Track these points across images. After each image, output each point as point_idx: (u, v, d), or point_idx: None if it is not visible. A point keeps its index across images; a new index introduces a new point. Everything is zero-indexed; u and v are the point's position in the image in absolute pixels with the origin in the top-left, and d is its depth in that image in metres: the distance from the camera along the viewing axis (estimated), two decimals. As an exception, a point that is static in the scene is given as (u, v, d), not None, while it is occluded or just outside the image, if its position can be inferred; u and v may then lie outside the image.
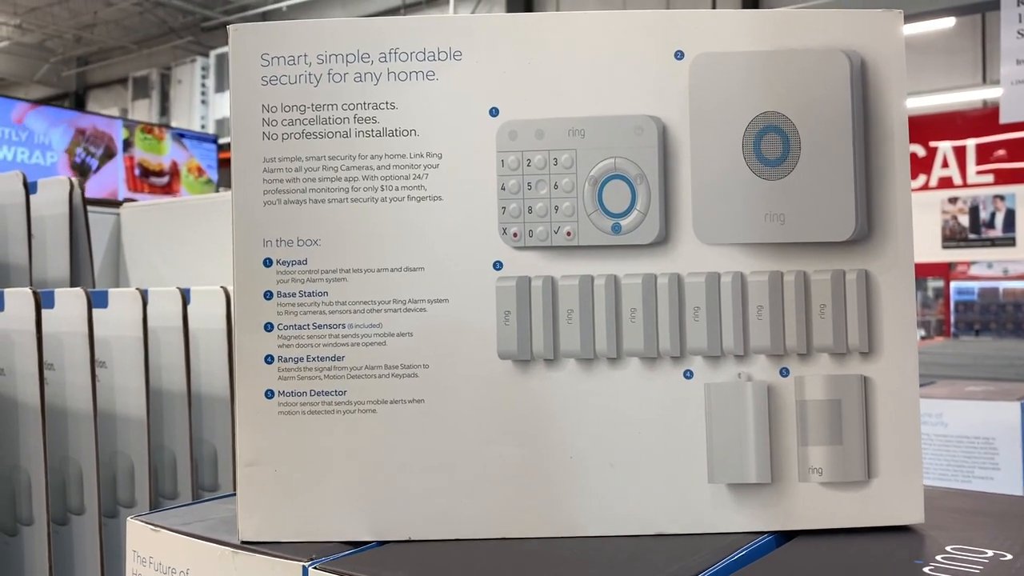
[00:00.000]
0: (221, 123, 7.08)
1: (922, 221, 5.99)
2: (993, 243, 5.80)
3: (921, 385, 0.96)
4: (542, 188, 0.38)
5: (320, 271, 0.38)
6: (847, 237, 0.39)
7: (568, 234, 0.38)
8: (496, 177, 0.38)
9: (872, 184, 0.39)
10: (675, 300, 0.38)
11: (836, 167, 0.39)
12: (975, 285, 5.90)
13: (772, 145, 0.39)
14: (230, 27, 0.39)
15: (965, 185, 5.91)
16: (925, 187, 6.03)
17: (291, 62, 0.38)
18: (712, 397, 0.38)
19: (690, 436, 0.38)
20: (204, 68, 7.48)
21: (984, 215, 5.86)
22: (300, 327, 0.38)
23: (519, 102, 0.38)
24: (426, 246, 0.38)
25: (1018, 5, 1.19)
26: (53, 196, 0.80)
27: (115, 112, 7.98)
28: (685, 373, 0.38)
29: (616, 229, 0.38)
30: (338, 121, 0.38)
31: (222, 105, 7.13)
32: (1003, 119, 1.26)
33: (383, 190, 0.38)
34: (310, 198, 0.38)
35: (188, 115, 7.55)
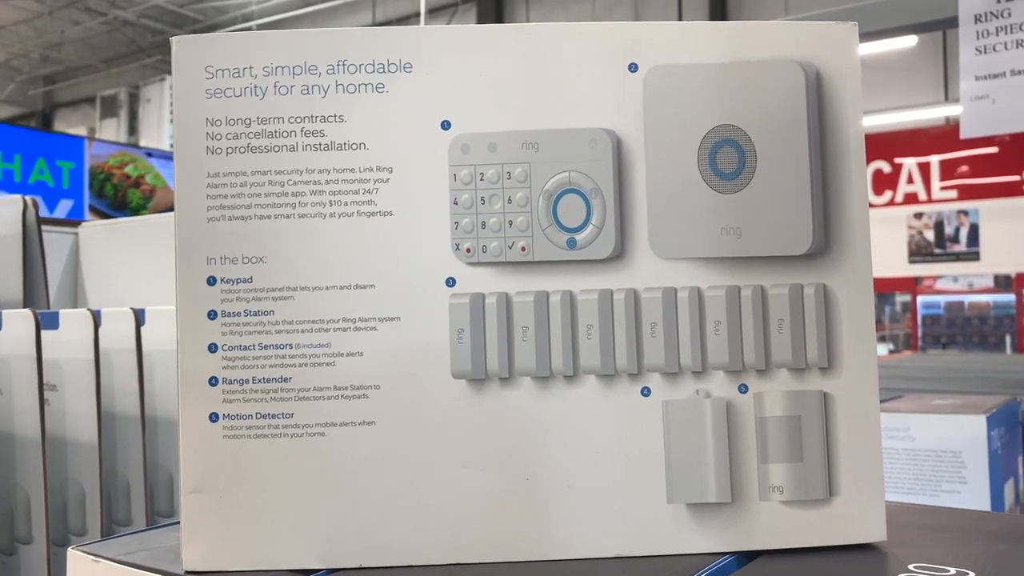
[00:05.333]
0: None
1: (889, 236, 6.07)
2: (958, 257, 5.90)
3: (888, 399, 0.96)
4: (495, 203, 0.38)
5: (266, 289, 0.37)
6: (804, 251, 0.38)
7: (523, 249, 0.37)
8: (448, 191, 0.37)
9: (829, 197, 0.39)
10: (632, 316, 0.37)
11: (792, 180, 0.38)
12: (941, 299, 5.99)
13: (727, 158, 0.38)
14: (172, 39, 0.37)
15: (930, 201, 6.00)
16: (891, 203, 6.10)
17: (236, 74, 0.37)
18: (670, 414, 0.37)
19: (648, 455, 0.37)
20: (173, 87, 7.45)
21: (949, 230, 5.96)
22: (245, 348, 0.37)
23: (471, 115, 0.38)
24: (377, 263, 0.37)
25: (976, 22, 1.21)
26: (6, 215, 0.78)
27: (83, 131, 7.94)
28: (643, 390, 0.38)
29: (571, 244, 0.37)
30: (284, 135, 0.37)
31: None
32: (963, 135, 1.27)
33: (331, 205, 0.37)
34: (256, 214, 0.37)
35: (157, 134, 7.53)
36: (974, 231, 5.77)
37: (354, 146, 0.37)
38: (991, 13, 1.22)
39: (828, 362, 0.38)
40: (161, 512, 0.64)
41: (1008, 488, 0.82)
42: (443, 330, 0.37)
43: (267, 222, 0.37)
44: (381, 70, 0.37)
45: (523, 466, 0.37)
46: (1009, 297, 5.67)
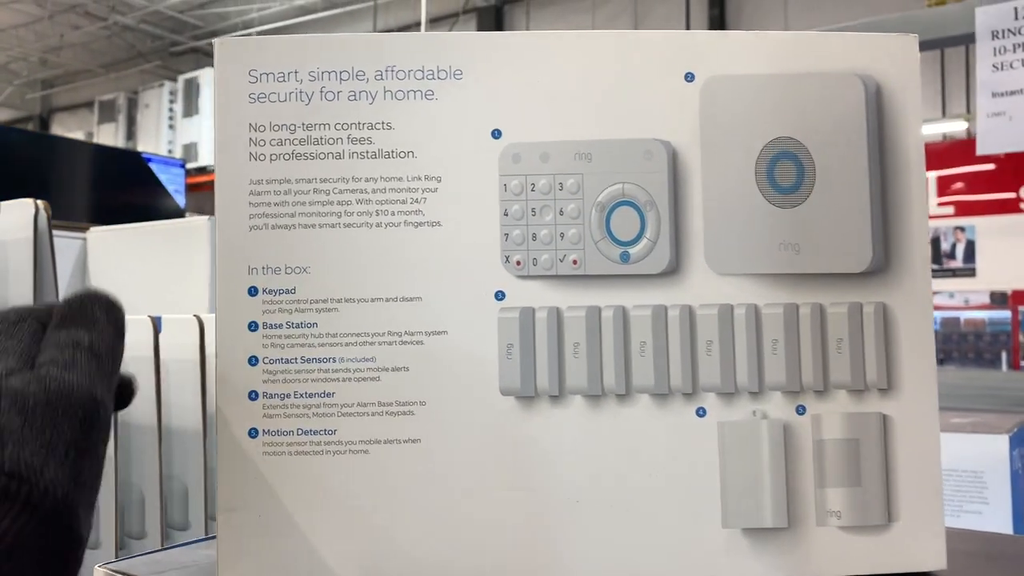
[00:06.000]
0: (188, 147, 6.97)
1: None
2: (954, 273, 5.89)
3: None
4: (547, 214, 0.36)
5: (309, 301, 0.36)
6: (864, 268, 0.37)
7: (574, 263, 0.36)
8: (498, 202, 0.36)
9: (888, 213, 0.37)
10: (687, 333, 0.36)
11: (852, 195, 0.37)
12: (937, 315, 5.98)
13: (786, 172, 0.37)
14: (216, 40, 0.36)
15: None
16: None
17: (281, 79, 0.36)
18: (726, 436, 0.36)
19: (703, 478, 0.36)
20: (172, 93, 7.40)
21: (945, 246, 5.95)
22: (287, 361, 0.35)
23: (522, 124, 0.36)
24: (424, 274, 0.36)
25: (993, 39, 1.21)
26: (16, 219, 0.77)
27: (80, 135, 7.94)
28: (698, 411, 0.36)
29: (624, 258, 0.36)
30: (331, 141, 0.36)
31: (189, 130, 7.08)
32: (980, 151, 1.27)
33: (378, 215, 0.36)
34: (300, 223, 0.36)
35: (155, 139, 7.40)
36: (970, 247, 5.76)
37: (402, 154, 0.36)
38: (1008, 30, 1.22)
39: (888, 383, 0.37)
40: (174, 525, 0.63)
41: None
42: (492, 345, 0.36)
43: (311, 231, 0.36)
44: (431, 77, 0.36)
45: (573, 488, 0.36)
46: (1005, 314, 5.66)
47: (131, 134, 7.82)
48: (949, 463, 0.80)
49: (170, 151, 7.12)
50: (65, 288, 0.78)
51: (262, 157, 0.36)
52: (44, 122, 9.62)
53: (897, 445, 0.37)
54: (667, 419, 0.36)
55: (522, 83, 0.37)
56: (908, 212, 0.37)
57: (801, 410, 0.37)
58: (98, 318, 0.30)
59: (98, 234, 0.77)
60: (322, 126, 0.36)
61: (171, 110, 7.35)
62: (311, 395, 0.35)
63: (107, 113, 8.06)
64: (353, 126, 0.36)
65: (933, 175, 5.88)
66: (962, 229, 5.83)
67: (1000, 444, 0.77)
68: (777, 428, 0.36)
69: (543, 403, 0.36)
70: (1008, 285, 5.63)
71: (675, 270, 0.36)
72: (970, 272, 5.81)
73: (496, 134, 0.36)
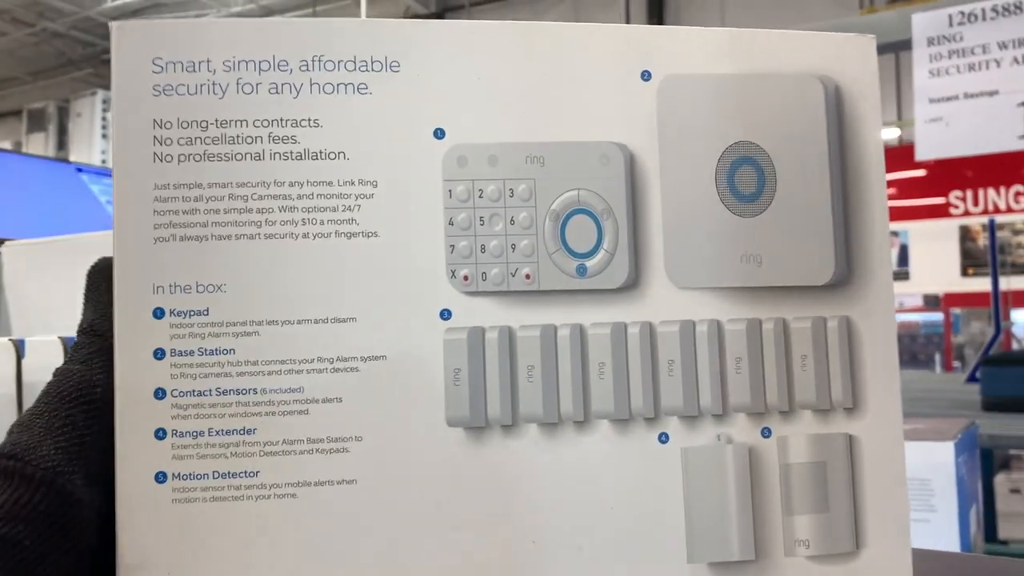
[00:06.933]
0: None
1: None
2: None
3: None
4: (496, 223, 0.33)
5: (225, 323, 0.31)
6: (827, 281, 0.35)
7: (527, 277, 0.33)
8: (443, 210, 0.33)
9: (850, 223, 0.36)
10: (647, 353, 0.33)
11: (814, 204, 0.35)
12: None
13: (747, 179, 0.35)
14: (112, 24, 0.31)
15: None
16: None
17: (190, 68, 0.31)
18: (690, 463, 0.33)
19: (666, 510, 0.33)
20: (105, 101, 7.12)
21: None
22: (200, 393, 0.31)
23: (468, 123, 0.33)
24: (358, 292, 0.32)
25: (929, 45, 1.24)
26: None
27: (8, 145, 7.57)
28: (660, 437, 0.33)
29: (581, 271, 0.33)
30: (249, 140, 0.32)
31: None
32: (918, 157, 1.30)
33: (305, 224, 0.32)
34: (213, 233, 0.31)
35: (88, 149, 7.15)
36: (904, 252, 5.93)
37: (332, 155, 0.32)
38: (943, 36, 1.26)
39: (853, 402, 0.35)
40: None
41: (972, 514, 0.81)
42: (437, 371, 0.32)
43: (227, 243, 0.31)
44: (364, 68, 0.32)
45: (529, 527, 0.32)
46: (938, 316, 5.84)
47: (62, 144, 7.54)
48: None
49: (104, 161, 6.85)
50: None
51: (168, 158, 0.31)
52: (-29, 132, 9.38)
53: (864, 467, 0.35)
54: (629, 447, 0.33)
55: (466, 78, 0.33)
56: (870, 221, 0.36)
57: (767, 432, 0.34)
58: (100, 295, 0.32)
59: (15, 248, 0.72)
60: (239, 123, 0.31)
61: (104, 119, 7.10)
62: (228, 432, 0.31)
63: (36, 122, 7.78)
64: (275, 123, 0.32)
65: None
66: (896, 233, 6.03)
67: (946, 451, 0.78)
68: (742, 453, 0.34)
69: (494, 434, 0.32)
70: (940, 288, 5.80)
71: (634, 284, 0.34)
72: (904, 276, 6.00)
73: (439, 134, 0.33)
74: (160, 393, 0.30)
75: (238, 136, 0.31)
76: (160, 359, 0.31)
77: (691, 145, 0.34)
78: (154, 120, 0.31)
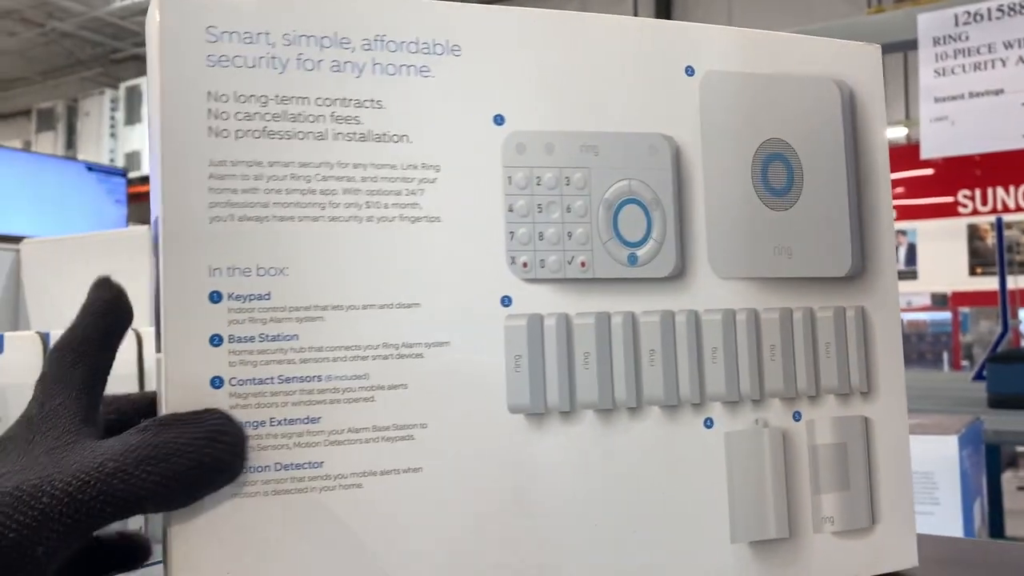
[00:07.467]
0: (131, 156, 6.80)
1: None
2: (897, 276, 6.15)
3: None
4: (554, 211, 0.33)
5: (288, 308, 0.30)
6: (846, 272, 0.37)
7: (582, 265, 0.33)
8: (503, 197, 0.32)
9: (863, 219, 0.38)
10: (693, 340, 0.34)
11: (835, 199, 0.37)
12: None
13: (778, 174, 0.36)
14: (166, -12, 0.29)
15: None
16: None
17: (248, 40, 0.30)
18: (733, 448, 0.35)
19: (711, 493, 0.34)
20: (113, 100, 7.14)
21: None
22: (261, 381, 0.29)
23: (526, 110, 0.33)
24: (423, 277, 0.31)
25: (935, 45, 1.29)
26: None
27: (17, 144, 7.37)
28: (705, 422, 0.34)
29: (632, 260, 0.34)
30: (311, 119, 0.30)
31: (132, 138, 6.93)
32: (923, 155, 1.33)
33: (369, 207, 0.31)
34: (275, 214, 0.30)
35: (96, 148, 7.11)
36: (912, 250, 5.86)
37: (395, 138, 0.31)
38: (949, 36, 1.29)
39: (868, 386, 0.37)
40: None
41: (976, 508, 0.83)
42: (498, 357, 0.32)
43: (290, 225, 0.30)
44: (426, 51, 0.32)
45: (589, 513, 0.32)
46: (946, 315, 5.79)
47: (71, 143, 7.53)
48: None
49: (112, 160, 6.89)
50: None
51: (225, 133, 0.29)
52: (-19, 131, 9.32)
53: (877, 447, 0.37)
54: (679, 432, 0.34)
55: (525, 65, 0.33)
56: (879, 216, 0.38)
57: (797, 416, 0.36)
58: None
59: (32, 246, 0.74)
60: (300, 100, 0.30)
61: (112, 118, 7.10)
62: (291, 421, 0.29)
63: (46, 121, 7.72)
64: (337, 102, 0.31)
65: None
66: (903, 232, 5.88)
67: (950, 445, 0.79)
68: (778, 436, 0.35)
69: (553, 420, 0.32)
70: (948, 287, 5.74)
71: (680, 273, 0.34)
72: (912, 275, 5.85)
73: (499, 120, 0.32)
74: (217, 382, 0.29)
75: (300, 114, 0.30)
76: (217, 346, 0.29)
77: (730, 140, 0.35)
78: (208, 92, 0.29)
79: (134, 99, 6.91)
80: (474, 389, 0.31)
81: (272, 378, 0.29)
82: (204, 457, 0.27)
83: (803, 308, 0.36)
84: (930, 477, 0.79)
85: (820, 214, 0.37)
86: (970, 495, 0.80)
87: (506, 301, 0.32)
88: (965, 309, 5.73)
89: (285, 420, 0.29)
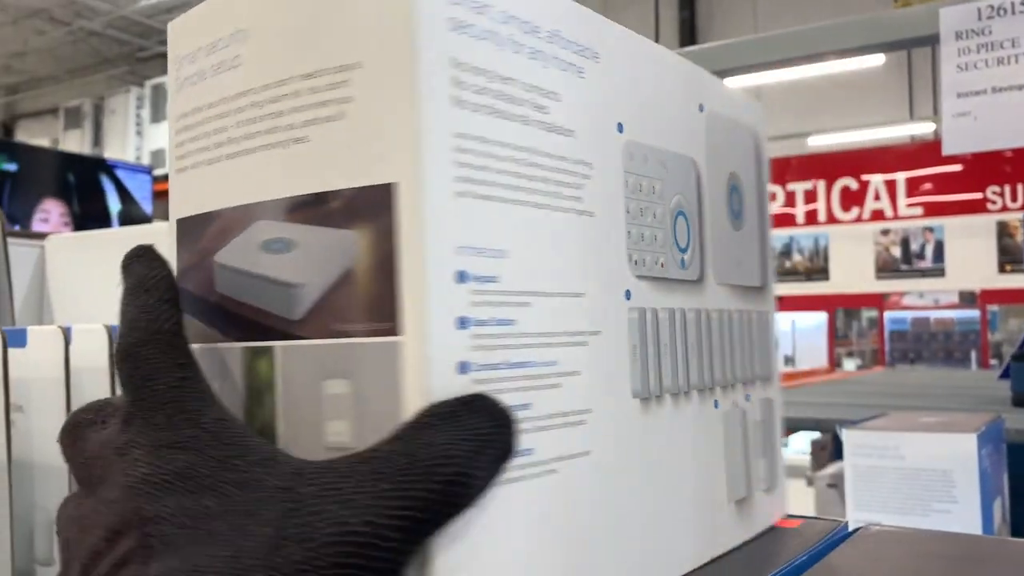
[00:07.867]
0: (156, 154, 7.13)
1: (856, 253, 5.76)
2: (924, 274, 5.72)
3: (873, 416, 0.93)
4: (648, 216, 0.37)
5: (509, 292, 0.29)
6: (758, 283, 0.47)
7: (661, 265, 0.37)
8: (623, 198, 0.35)
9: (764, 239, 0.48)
10: (716, 334, 0.41)
11: (758, 224, 0.47)
12: (908, 315, 5.77)
13: (736, 200, 0.45)
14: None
15: (896, 217, 5.67)
16: (858, 220, 5.72)
17: (478, 9, 0.29)
18: (728, 424, 0.42)
19: (719, 462, 0.41)
20: (139, 99, 7.71)
21: (915, 246, 5.76)
22: (493, 367, 0.28)
23: (636, 121, 0.36)
24: (586, 268, 0.32)
25: (957, 39, 1.23)
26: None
27: (45, 142, 7.74)
28: (714, 403, 0.41)
29: (683, 264, 0.39)
30: (520, 102, 0.30)
31: (157, 136, 7.33)
32: (945, 151, 1.26)
33: (556, 197, 0.31)
34: (499, 195, 0.29)
35: (122, 146, 7.71)
36: (939, 248, 5.67)
37: (567, 132, 0.32)
38: (972, 31, 1.24)
39: (768, 373, 0.47)
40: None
41: (996, 507, 0.82)
42: (624, 346, 0.34)
43: (510, 208, 0.29)
44: (581, 53, 0.33)
45: (684, 489, 0.37)
46: (974, 313, 5.60)
47: (97, 140, 8.17)
48: (918, 463, 0.79)
49: (138, 158, 7.29)
50: (22, 298, 0.71)
51: (466, 105, 0.28)
52: (8, 128, 9.61)
53: (774, 422, 0.47)
54: (703, 412, 0.40)
55: (633, 81, 0.36)
56: (767, 241, 0.49)
57: (748, 397, 0.44)
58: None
59: (56, 242, 0.74)
60: (513, 81, 0.30)
61: (138, 116, 7.69)
62: (514, 408, 0.29)
63: (73, 119, 8.48)
64: (535, 89, 0.31)
65: (902, 176, 5.60)
66: (931, 230, 5.68)
67: (968, 443, 0.76)
68: (742, 413, 0.43)
69: (653, 404, 0.36)
70: (976, 285, 5.55)
71: (700, 278, 0.41)
72: (939, 272, 5.66)
73: (620, 128, 0.35)
74: (463, 367, 0.27)
75: (513, 96, 0.30)
76: (464, 329, 0.27)
77: (715, 170, 0.43)
78: (451, 59, 0.27)
79: (160, 97, 7.03)
80: (616, 376, 0.34)
81: (501, 364, 0.28)
82: (506, 444, 0.26)
83: (748, 310, 0.45)
84: (948, 475, 0.77)
85: (754, 236, 0.46)
86: (990, 494, 0.79)
87: (628, 294, 0.35)
88: (994, 307, 5.62)
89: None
